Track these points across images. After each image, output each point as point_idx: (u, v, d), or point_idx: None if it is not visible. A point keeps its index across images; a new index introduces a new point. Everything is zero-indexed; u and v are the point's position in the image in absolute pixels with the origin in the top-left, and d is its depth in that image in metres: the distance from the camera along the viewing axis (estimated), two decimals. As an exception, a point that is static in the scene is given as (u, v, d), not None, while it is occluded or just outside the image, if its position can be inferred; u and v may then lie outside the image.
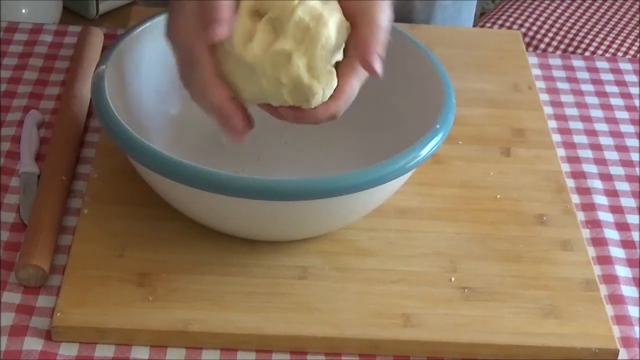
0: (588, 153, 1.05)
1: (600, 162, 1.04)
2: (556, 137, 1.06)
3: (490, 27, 1.91)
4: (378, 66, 0.78)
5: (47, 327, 0.82)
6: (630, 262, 0.93)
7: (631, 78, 1.17)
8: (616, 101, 1.13)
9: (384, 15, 0.79)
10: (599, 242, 0.94)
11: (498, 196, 0.96)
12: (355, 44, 0.78)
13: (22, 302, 0.84)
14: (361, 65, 0.78)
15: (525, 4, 1.99)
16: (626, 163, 1.04)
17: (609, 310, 0.87)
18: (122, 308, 0.82)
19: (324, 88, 0.78)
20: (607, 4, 2.02)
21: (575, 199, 0.98)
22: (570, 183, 1.00)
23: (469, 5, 1.28)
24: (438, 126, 0.86)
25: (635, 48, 1.88)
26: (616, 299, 0.89)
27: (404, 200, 0.94)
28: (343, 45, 0.79)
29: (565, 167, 1.02)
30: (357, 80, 0.80)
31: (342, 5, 0.79)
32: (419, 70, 0.95)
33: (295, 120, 0.80)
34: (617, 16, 1.98)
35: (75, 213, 0.92)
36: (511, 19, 1.94)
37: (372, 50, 0.77)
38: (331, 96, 0.79)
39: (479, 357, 0.83)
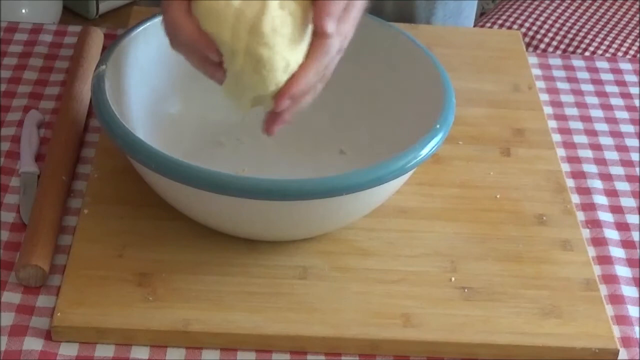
0: (588, 153, 1.05)
1: (600, 162, 1.04)
2: (556, 137, 1.06)
3: (490, 27, 1.91)
4: (330, 26, 0.76)
5: (47, 327, 0.82)
6: (630, 262, 0.93)
7: (631, 78, 1.17)
8: (616, 101, 1.13)
9: None
10: (599, 242, 0.94)
11: (498, 196, 0.96)
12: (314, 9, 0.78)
13: (22, 302, 0.84)
14: (315, 29, 0.77)
15: (525, 4, 1.99)
16: (626, 163, 1.04)
17: (609, 310, 0.87)
18: (122, 308, 0.82)
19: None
20: (607, 4, 2.02)
21: (575, 199, 0.98)
22: (570, 183, 1.00)
23: (470, 2, 1.28)
24: (438, 126, 0.86)
25: (635, 48, 1.88)
26: (616, 299, 0.89)
27: (404, 200, 0.94)
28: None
29: (565, 167, 1.02)
30: (322, 57, 0.78)
31: None
32: (419, 70, 0.95)
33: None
34: (617, 16, 1.98)
35: (75, 213, 0.92)
36: (511, 19, 1.94)
37: (325, 12, 0.76)
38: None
39: (479, 357, 0.83)
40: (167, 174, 0.81)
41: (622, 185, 1.01)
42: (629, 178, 1.02)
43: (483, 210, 0.95)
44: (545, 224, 0.94)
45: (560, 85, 1.15)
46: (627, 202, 0.99)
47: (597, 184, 1.01)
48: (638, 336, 0.86)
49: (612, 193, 1.00)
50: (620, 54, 1.86)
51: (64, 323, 0.81)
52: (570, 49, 1.87)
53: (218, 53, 0.78)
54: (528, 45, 1.87)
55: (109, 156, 0.95)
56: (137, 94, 0.94)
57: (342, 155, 0.98)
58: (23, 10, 2.42)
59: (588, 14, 1.98)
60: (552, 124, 1.08)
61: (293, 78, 0.78)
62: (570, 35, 1.90)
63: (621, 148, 1.06)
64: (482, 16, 2.04)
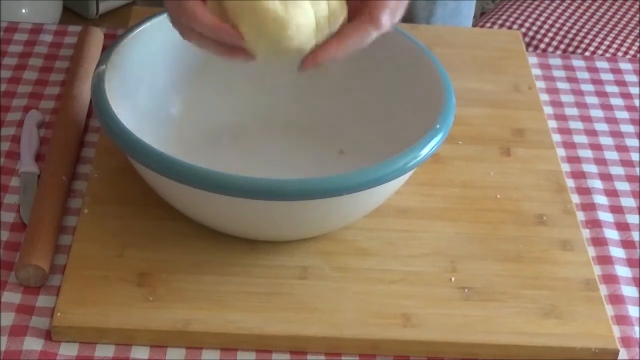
0: (588, 153, 1.05)
1: (600, 162, 1.04)
2: (556, 137, 1.06)
3: (490, 27, 1.91)
4: (385, 18, 0.80)
5: (47, 327, 0.82)
6: (630, 262, 0.93)
7: (631, 78, 1.17)
8: (616, 101, 1.13)
9: None
10: (599, 242, 0.94)
11: (498, 196, 0.96)
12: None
13: (22, 302, 0.84)
14: (368, 22, 0.81)
15: (525, 4, 1.99)
16: (626, 163, 1.04)
17: (609, 310, 0.87)
18: (122, 308, 0.82)
19: None
20: (607, 4, 2.02)
21: (575, 199, 0.98)
22: (570, 183, 1.00)
23: (469, 2, 1.29)
24: (438, 126, 0.86)
25: (635, 48, 1.88)
26: (616, 299, 0.89)
27: (404, 200, 0.94)
28: None
29: (565, 167, 1.02)
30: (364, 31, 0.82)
31: None
32: (419, 70, 0.95)
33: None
34: (617, 16, 1.98)
35: (75, 213, 0.92)
36: (511, 19, 1.94)
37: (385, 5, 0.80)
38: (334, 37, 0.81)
39: (479, 357, 0.83)
40: (167, 174, 0.81)
41: (622, 185, 1.01)
42: (629, 178, 1.02)
43: (483, 210, 0.95)
44: (545, 224, 0.94)
45: (560, 85, 1.15)
46: (627, 202, 0.99)
47: (597, 184, 1.01)
48: (638, 336, 0.86)
49: (612, 193, 1.00)
50: (620, 54, 1.86)
51: (64, 323, 0.81)
52: (570, 49, 1.86)
53: (241, 38, 0.79)
54: (528, 45, 1.87)
55: (109, 156, 0.95)
56: (137, 93, 0.94)
57: (342, 155, 0.98)
58: (23, 10, 2.42)
59: (588, 14, 1.98)
60: (552, 124, 1.08)
61: (324, 46, 0.80)
62: (570, 35, 1.90)
63: (621, 148, 1.06)
64: (482, 16, 2.04)
